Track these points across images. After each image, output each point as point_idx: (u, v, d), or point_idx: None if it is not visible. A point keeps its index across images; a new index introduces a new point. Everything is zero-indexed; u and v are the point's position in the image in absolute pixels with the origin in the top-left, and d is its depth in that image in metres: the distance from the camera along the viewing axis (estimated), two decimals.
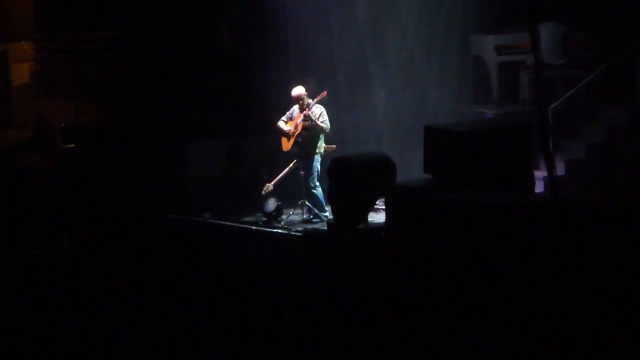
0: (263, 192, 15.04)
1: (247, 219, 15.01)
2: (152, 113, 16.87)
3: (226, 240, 14.06)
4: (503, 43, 16.65)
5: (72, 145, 16.83)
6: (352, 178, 11.75)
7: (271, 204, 14.92)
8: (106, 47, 17.89)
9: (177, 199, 15.49)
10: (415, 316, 9.27)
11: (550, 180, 12.07)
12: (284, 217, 14.93)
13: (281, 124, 14.98)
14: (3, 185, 15.81)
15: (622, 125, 14.65)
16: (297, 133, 14.79)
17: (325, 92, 14.79)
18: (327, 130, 14.78)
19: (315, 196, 14.75)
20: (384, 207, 12.21)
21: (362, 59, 16.67)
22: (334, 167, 11.96)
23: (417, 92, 16.29)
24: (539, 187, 12.59)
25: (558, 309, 8.22)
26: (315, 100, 14.72)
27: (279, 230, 14.31)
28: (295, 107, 14.90)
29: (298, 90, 14.79)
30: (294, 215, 15.01)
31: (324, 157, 14.70)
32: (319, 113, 14.71)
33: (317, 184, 14.74)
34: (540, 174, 13.01)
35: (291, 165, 15.10)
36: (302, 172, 14.85)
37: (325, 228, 13.78)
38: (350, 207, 11.80)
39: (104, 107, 17.90)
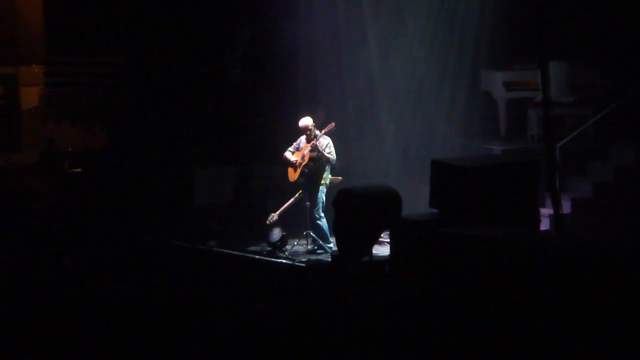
0: (268, 222, 15.04)
1: (251, 248, 15.00)
2: (160, 139, 16.92)
3: (230, 269, 14.04)
4: (512, 80, 16.71)
5: (79, 170, 16.85)
6: (358, 210, 11.73)
7: (276, 233, 14.91)
8: (115, 72, 17.97)
9: (182, 226, 15.50)
10: (419, 350, 9.24)
11: (556, 218, 12.09)
12: (288, 247, 14.92)
13: (288, 154, 14.98)
14: (9, 208, 15.81)
15: (629, 164, 14.64)
16: (303, 164, 14.79)
17: (333, 124, 14.80)
18: (334, 162, 14.78)
19: (320, 227, 14.74)
20: (388, 240, 12.22)
21: (371, 92, 16.72)
22: (340, 199, 11.94)
23: (425, 126, 16.32)
24: (544, 225, 12.59)
25: (563, 345, 8.19)
26: (323, 131, 14.73)
27: (283, 261, 14.30)
28: (302, 138, 14.91)
29: (305, 121, 14.82)
30: (298, 245, 14.99)
31: (329, 188, 14.70)
32: (326, 144, 14.71)
33: (322, 215, 14.72)
34: (546, 211, 13.00)
35: (297, 195, 15.10)
36: (307, 203, 14.84)
37: (330, 259, 13.77)
38: (355, 239, 11.78)
39: (112, 131, 17.95)
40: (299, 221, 15.05)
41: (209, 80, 17.23)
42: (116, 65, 17.96)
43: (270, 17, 16.83)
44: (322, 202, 14.76)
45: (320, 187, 14.79)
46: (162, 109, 17.10)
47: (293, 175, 14.96)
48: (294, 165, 14.90)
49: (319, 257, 14.53)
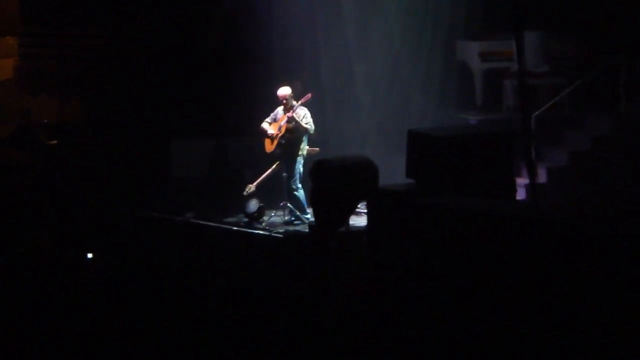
0: (245, 193, 15.03)
1: (228, 219, 15.01)
2: (137, 111, 16.85)
3: (207, 240, 14.05)
4: (488, 50, 16.71)
5: (55, 142, 16.77)
6: (334, 181, 11.75)
7: (253, 204, 14.92)
8: (92, 44, 17.86)
9: (159, 198, 15.48)
10: (396, 320, 9.28)
11: (531, 188, 12.16)
12: (265, 218, 14.93)
13: (265, 125, 14.96)
14: None
15: (605, 133, 14.70)
16: (280, 135, 14.78)
17: (310, 95, 14.78)
18: (311, 132, 14.77)
19: (297, 198, 14.75)
20: (365, 210, 12.25)
21: (347, 63, 16.70)
22: (317, 170, 11.96)
23: (402, 96, 16.32)
24: (520, 194, 12.64)
25: (538, 313, 8.25)
26: (299, 102, 14.71)
27: (260, 232, 14.32)
28: (280, 109, 14.89)
29: (284, 91, 14.78)
30: (275, 216, 15.01)
31: (307, 159, 14.69)
32: (303, 115, 14.70)
33: (299, 185, 14.73)
34: (522, 181, 13.05)
35: (274, 166, 15.09)
36: (284, 174, 14.84)
37: (307, 230, 13.80)
38: (331, 210, 11.81)
39: (88, 104, 17.87)
40: (276, 192, 15.06)
41: (186, 52, 17.16)
42: (92, 37, 17.86)
43: None
44: (300, 173, 14.76)
45: (298, 158, 14.79)
46: (139, 81, 17.02)
47: (270, 146, 14.95)
48: (271, 136, 14.89)
49: (296, 228, 14.55)
